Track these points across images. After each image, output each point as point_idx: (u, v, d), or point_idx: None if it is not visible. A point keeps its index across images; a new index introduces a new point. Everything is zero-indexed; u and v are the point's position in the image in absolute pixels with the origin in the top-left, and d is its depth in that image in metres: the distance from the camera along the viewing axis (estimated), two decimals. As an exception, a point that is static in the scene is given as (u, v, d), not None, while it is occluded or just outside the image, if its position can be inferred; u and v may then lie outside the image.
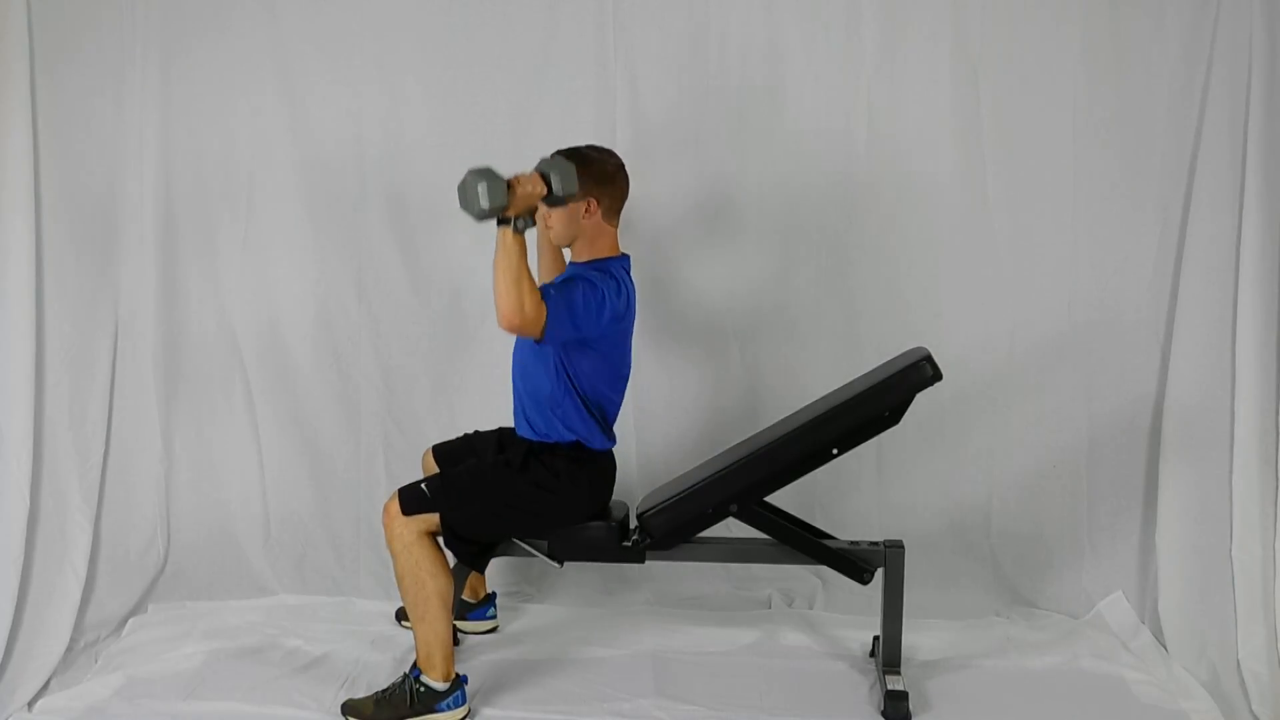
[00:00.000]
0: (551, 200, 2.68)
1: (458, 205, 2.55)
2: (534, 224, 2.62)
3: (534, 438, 2.87)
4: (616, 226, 2.89)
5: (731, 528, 2.95)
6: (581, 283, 2.72)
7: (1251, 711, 2.80)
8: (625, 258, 2.91)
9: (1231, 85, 3.07)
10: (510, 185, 2.55)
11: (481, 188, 2.52)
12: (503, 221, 2.58)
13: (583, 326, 2.70)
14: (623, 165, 2.88)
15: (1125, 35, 3.22)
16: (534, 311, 2.59)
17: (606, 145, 2.98)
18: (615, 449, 2.99)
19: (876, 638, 2.99)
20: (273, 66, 3.43)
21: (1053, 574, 3.42)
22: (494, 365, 2.97)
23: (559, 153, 2.77)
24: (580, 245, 2.86)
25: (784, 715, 2.79)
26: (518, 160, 3.27)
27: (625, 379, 2.94)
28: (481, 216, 2.56)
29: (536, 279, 2.71)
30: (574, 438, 2.84)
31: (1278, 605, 2.93)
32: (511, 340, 2.91)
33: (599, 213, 2.81)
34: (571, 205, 2.77)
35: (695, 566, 3.45)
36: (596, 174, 2.78)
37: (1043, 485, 3.42)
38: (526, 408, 2.89)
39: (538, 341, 2.69)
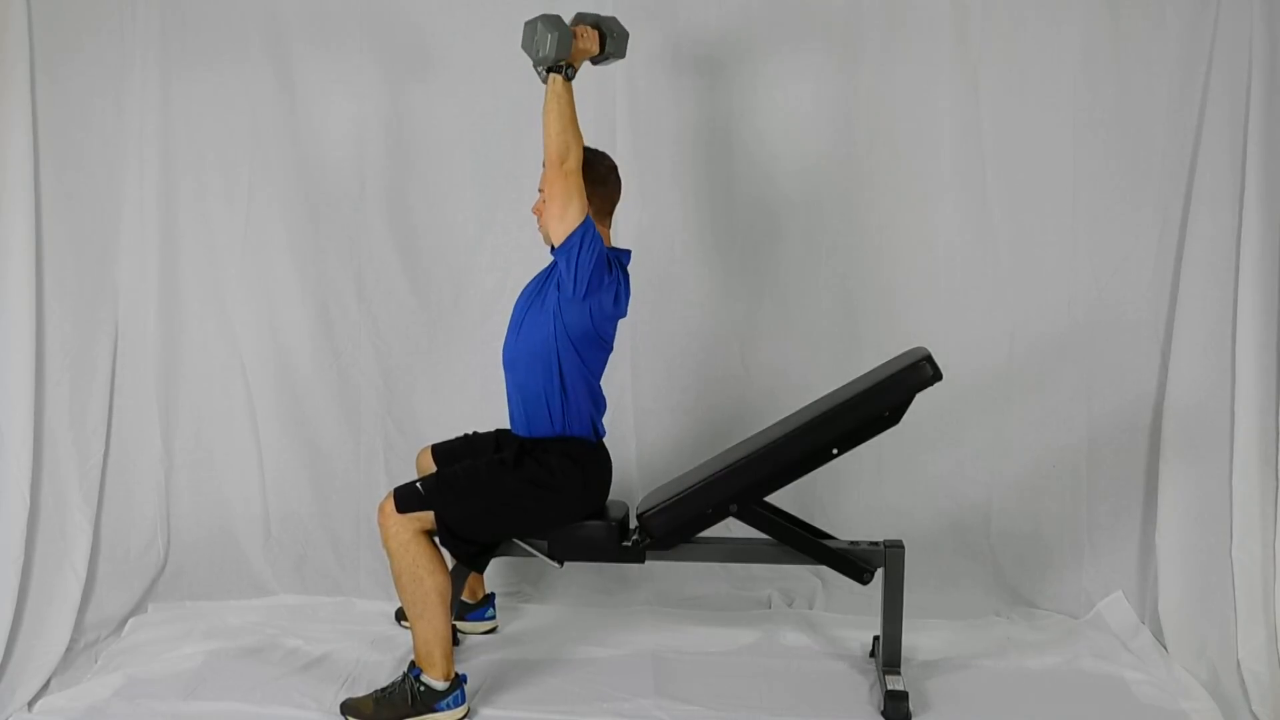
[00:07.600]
0: (598, 61, 2.85)
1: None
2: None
3: (526, 434, 2.88)
4: (609, 226, 2.92)
5: (731, 528, 2.95)
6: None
7: (1251, 711, 2.80)
8: (624, 252, 2.93)
9: (1231, 85, 3.07)
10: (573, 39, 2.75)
11: (552, 38, 2.68)
12: (554, 69, 2.71)
13: (590, 230, 2.73)
14: (615, 168, 2.91)
15: (1125, 35, 3.22)
16: (575, 162, 2.71)
17: (606, 145, 3.00)
18: (615, 449, 2.99)
19: (876, 638, 2.99)
20: (272, 66, 3.43)
21: (1053, 574, 3.42)
22: (493, 365, 2.97)
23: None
24: None
25: (784, 715, 2.79)
26: (517, 160, 3.31)
27: (602, 371, 2.94)
28: (541, 64, 2.71)
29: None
30: (565, 432, 2.84)
31: (1278, 605, 2.93)
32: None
33: (590, 212, 2.82)
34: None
35: (695, 566, 3.45)
36: (589, 175, 2.80)
37: (1043, 485, 3.41)
38: (517, 403, 2.90)
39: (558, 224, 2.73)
